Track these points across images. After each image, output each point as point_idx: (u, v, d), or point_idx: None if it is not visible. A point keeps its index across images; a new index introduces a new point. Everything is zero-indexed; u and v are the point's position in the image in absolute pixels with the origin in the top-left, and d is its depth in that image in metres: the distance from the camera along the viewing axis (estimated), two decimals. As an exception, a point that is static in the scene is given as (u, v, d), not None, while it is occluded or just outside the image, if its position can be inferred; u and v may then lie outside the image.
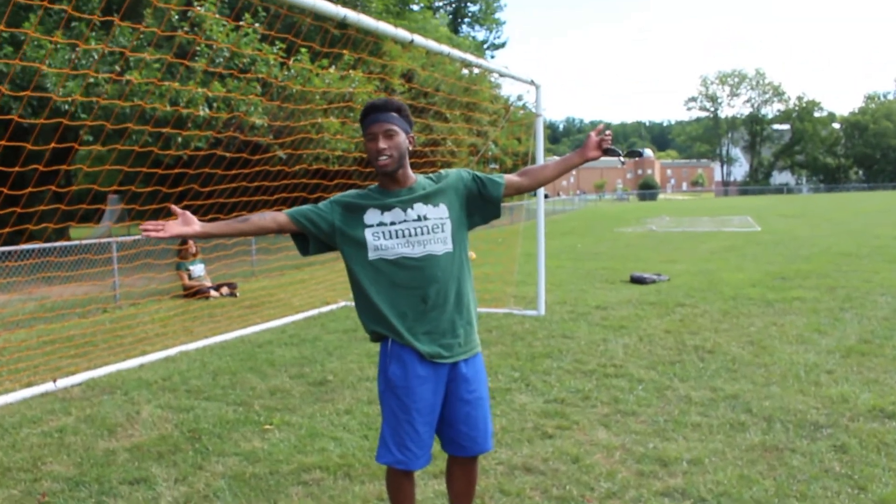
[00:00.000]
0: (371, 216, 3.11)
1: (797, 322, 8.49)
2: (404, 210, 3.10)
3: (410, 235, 3.07)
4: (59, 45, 14.12)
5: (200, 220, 3.08)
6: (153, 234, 2.95)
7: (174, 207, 3.07)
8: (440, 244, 3.11)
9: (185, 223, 3.06)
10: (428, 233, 3.09)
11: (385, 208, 3.09)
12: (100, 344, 8.20)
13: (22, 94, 10.95)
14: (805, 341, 7.53)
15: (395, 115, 3.07)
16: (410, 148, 3.15)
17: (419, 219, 3.10)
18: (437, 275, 3.09)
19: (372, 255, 3.08)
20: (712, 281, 12.04)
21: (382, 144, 3.02)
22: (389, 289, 3.08)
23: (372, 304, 3.12)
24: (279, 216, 3.16)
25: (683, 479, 4.23)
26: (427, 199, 3.13)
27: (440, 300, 3.10)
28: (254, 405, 5.84)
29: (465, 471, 3.36)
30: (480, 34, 55.15)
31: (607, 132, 3.28)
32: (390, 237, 3.07)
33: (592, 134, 3.29)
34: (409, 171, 3.18)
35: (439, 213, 3.14)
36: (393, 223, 3.08)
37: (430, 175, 3.29)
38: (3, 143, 6.53)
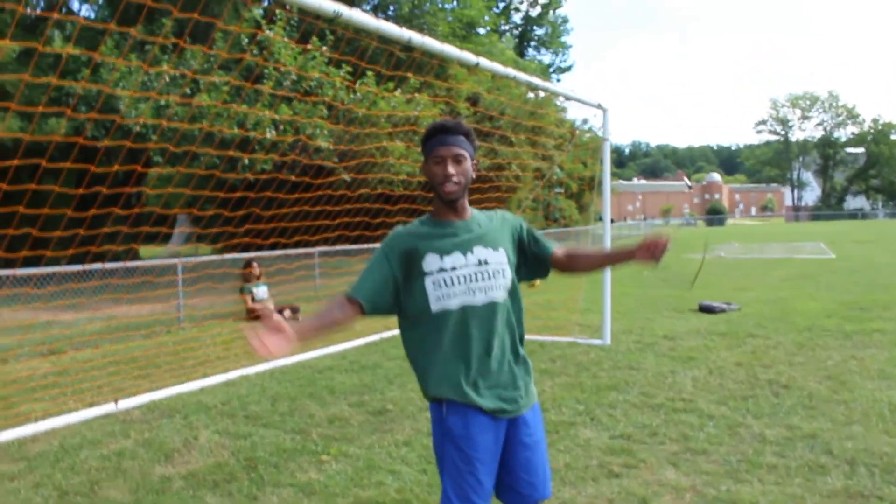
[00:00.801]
0: (430, 262, 2.84)
1: (878, 356, 8.07)
2: (464, 254, 2.86)
3: (472, 282, 2.84)
4: (132, 68, 14.46)
5: (286, 315, 2.87)
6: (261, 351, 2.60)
7: (274, 319, 2.59)
8: (502, 291, 2.90)
9: (281, 334, 2.55)
10: (489, 278, 2.87)
11: (444, 252, 2.84)
12: (162, 365, 8.25)
13: (95, 116, 11.20)
14: (888, 377, 7.12)
15: (463, 138, 2.88)
16: (474, 175, 2.95)
17: (480, 263, 2.87)
18: (499, 324, 2.88)
19: (435, 307, 2.82)
20: (785, 310, 11.59)
21: (451, 170, 2.82)
22: (452, 343, 2.83)
23: (432, 362, 2.87)
24: (347, 307, 2.84)
25: (760, 526, 3.97)
26: (486, 241, 2.91)
27: (502, 351, 2.89)
28: (311, 434, 5.74)
29: None
30: (546, 57, 54.97)
31: (666, 243, 2.94)
32: (451, 284, 2.83)
33: (651, 239, 2.94)
34: (467, 200, 2.99)
35: (499, 258, 2.92)
36: (454, 268, 2.84)
37: (485, 212, 3.09)
38: (76, 165, 6.61)
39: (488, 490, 2.88)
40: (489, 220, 3.01)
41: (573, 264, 3.11)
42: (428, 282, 2.82)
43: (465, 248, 2.86)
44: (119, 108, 14.33)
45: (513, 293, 2.95)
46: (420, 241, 2.86)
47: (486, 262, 2.87)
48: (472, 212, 3.00)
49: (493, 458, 2.88)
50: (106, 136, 14.09)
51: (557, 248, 3.13)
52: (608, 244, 9.84)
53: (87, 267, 9.93)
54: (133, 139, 12.76)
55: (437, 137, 2.86)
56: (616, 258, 3.03)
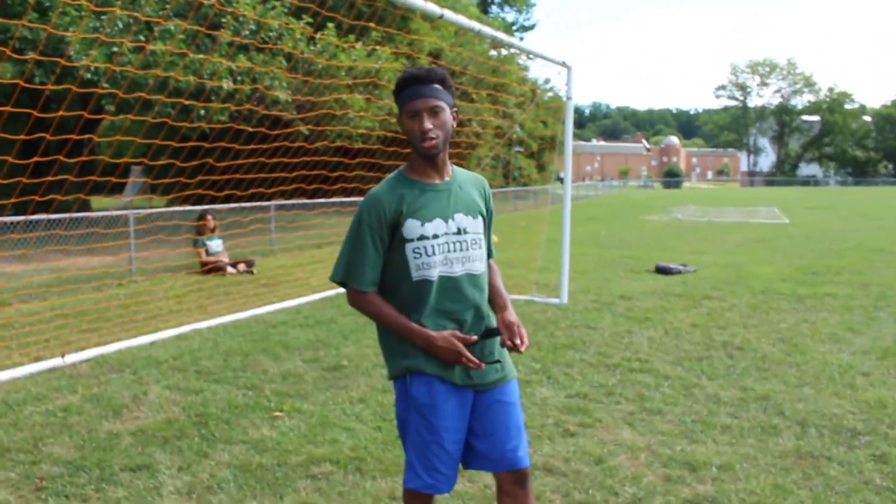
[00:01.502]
0: (411, 229, 2.64)
1: (830, 319, 8.18)
2: (445, 221, 2.68)
3: (450, 251, 2.68)
4: (83, 13, 13.94)
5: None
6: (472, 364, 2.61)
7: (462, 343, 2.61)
8: (479, 262, 2.76)
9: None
10: (467, 248, 2.72)
11: (425, 218, 2.64)
12: (112, 319, 8.05)
13: (39, 57, 10.76)
14: (839, 340, 7.23)
15: (439, 87, 2.62)
16: (454, 126, 2.72)
17: (459, 232, 2.70)
18: (476, 296, 2.73)
19: (416, 275, 2.65)
20: (740, 274, 11.72)
21: (428, 124, 2.58)
22: (429, 313, 2.66)
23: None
24: (377, 296, 2.70)
25: (713, 486, 3.99)
26: (467, 206, 2.74)
27: (478, 324, 2.73)
28: (265, 390, 5.64)
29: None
30: (510, 16, 54.61)
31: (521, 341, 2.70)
32: (432, 253, 2.65)
33: (510, 325, 2.71)
34: (447, 155, 2.76)
35: (477, 227, 2.77)
36: (435, 236, 2.65)
37: (463, 171, 2.87)
38: (18, 109, 6.33)
39: (455, 459, 2.74)
40: (469, 183, 2.82)
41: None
42: (408, 249, 2.64)
43: (447, 215, 2.69)
44: (67, 51, 13.84)
45: (486, 266, 2.84)
46: (401, 206, 2.64)
47: (465, 231, 2.72)
48: (452, 169, 2.79)
49: (459, 426, 2.72)
50: (52, 80, 13.61)
51: (493, 263, 2.98)
52: (568, 205, 9.77)
53: (33, 217, 9.62)
54: (81, 84, 12.32)
55: (410, 89, 2.61)
56: (497, 308, 2.83)
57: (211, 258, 12.08)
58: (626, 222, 24.96)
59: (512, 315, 2.76)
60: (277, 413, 5.11)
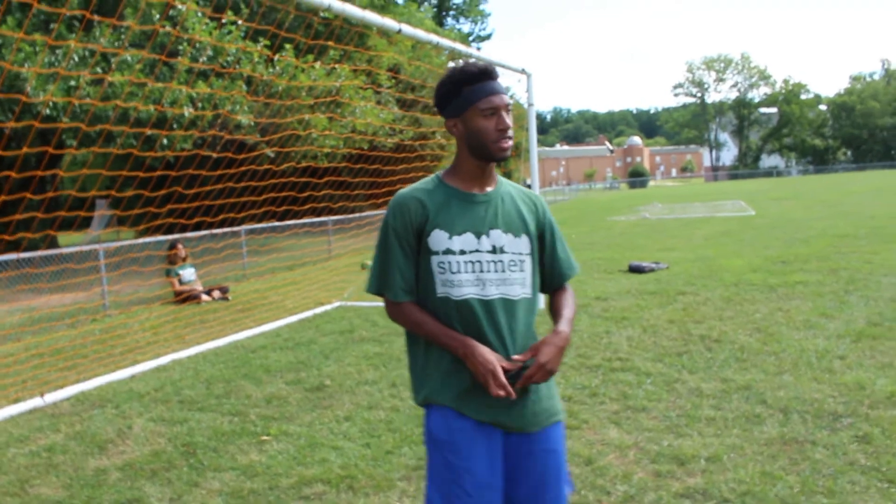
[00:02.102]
0: (437, 240, 2.37)
1: (802, 307, 8.31)
2: (478, 236, 2.38)
3: (482, 271, 2.37)
4: (37, 48, 13.82)
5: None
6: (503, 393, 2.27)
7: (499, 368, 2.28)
8: (518, 286, 2.42)
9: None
10: (503, 270, 2.39)
11: (454, 230, 2.37)
12: (90, 355, 7.96)
13: None
14: (813, 326, 7.35)
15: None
16: None
17: (495, 250, 2.40)
18: (509, 324, 2.39)
19: (439, 292, 2.38)
20: (712, 267, 11.86)
21: (509, 121, 2.36)
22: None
23: (431, 358, 2.43)
24: (412, 305, 2.43)
25: (703, 478, 4.04)
26: (508, 223, 2.44)
27: (508, 355, 2.38)
28: (250, 415, 5.62)
29: None
30: (466, 26, 54.87)
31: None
32: (457, 270, 2.36)
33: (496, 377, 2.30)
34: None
35: (519, 247, 2.45)
36: (462, 251, 2.37)
37: (514, 185, 2.59)
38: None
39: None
40: (517, 198, 2.54)
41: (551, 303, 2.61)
42: (433, 261, 2.38)
43: (480, 229, 2.40)
44: (24, 88, 13.71)
45: (533, 292, 2.50)
46: (429, 212, 2.39)
47: (502, 250, 2.41)
48: (498, 179, 2.53)
49: (487, 472, 2.35)
50: (12, 118, 13.48)
51: (568, 286, 2.64)
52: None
53: (2, 257, 9.50)
54: (42, 120, 12.20)
55: (483, 84, 2.36)
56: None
57: (185, 287, 11.99)
58: (594, 224, 25.14)
59: (549, 349, 2.34)
60: (265, 437, 5.09)
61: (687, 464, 4.23)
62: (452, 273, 2.36)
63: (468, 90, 2.36)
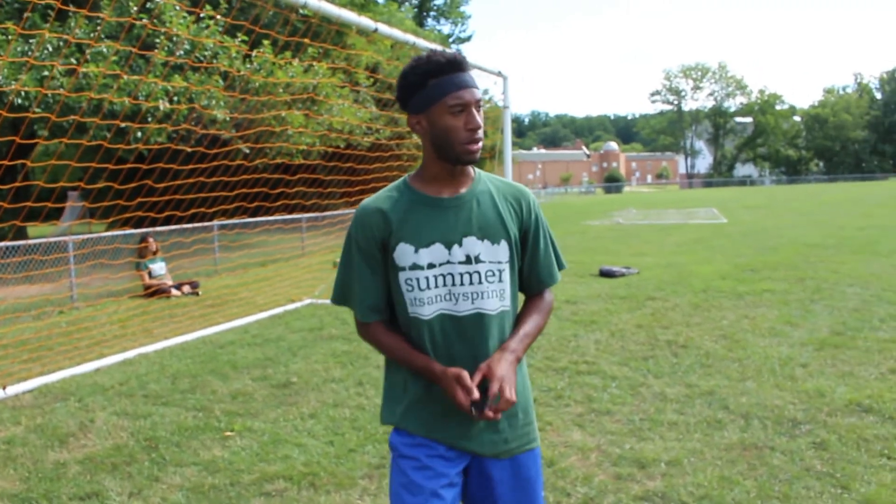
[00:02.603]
0: (402, 255, 2.13)
1: (769, 314, 8.41)
2: (448, 247, 2.13)
3: (454, 285, 2.13)
4: (10, 36, 13.65)
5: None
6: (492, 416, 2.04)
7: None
8: (494, 298, 2.17)
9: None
10: (478, 282, 2.14)
11: (420, 242, 2.13)
12: (54, 347, 7.88)
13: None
14: (778, 334, 7.44)
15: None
16: None
17: (469, 260, 2.14)
18: (489, 341, 2.16)
19: (410, 311, 2.16)
20: (682, 274, 11.96)
21: (480, 120, 2.09)
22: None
23: (396, 380, 2.26)
24: (384, 325, 2.23)
25: (662, 481, 4.08)
26: (483, 228, 2.16)
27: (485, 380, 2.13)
28: (214, 410, 5.59)
29: None
30: (446, 28, 54.96)
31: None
32: (426, 287, 2.13)
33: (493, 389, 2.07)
34: None
35: (497, 255, 2.18)
36: (431, 265, 2.12)
37: (495, 178, 2.30)
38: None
39: None
40: (496, 197, 2.23)
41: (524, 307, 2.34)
42: (400, 278, 2.15)
43: (451, 239, 2.14)
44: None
45: (513, 304, 2.25)
46: (392, 224, 2.14)
47: (476, 260, 2.15)
48: (476, 176, 2.24)
49: (451, 492, 2.18)
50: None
51: (549, 291, 2.37)
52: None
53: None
54: (11, 109, 12.06)
55: (451, 76, 2.07)
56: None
57: (154, 281, 11.90)
58: (568, 228, 25.25)
59: (503, 363, 2.11)
60: (228, 433, 5.07)
61: (647, 467, 4.27)
62: (420, 290, 2.12)
63: (434, 83, 2.06)
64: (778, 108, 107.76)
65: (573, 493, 3.98)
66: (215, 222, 14.73)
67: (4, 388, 6.20)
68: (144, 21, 14.15)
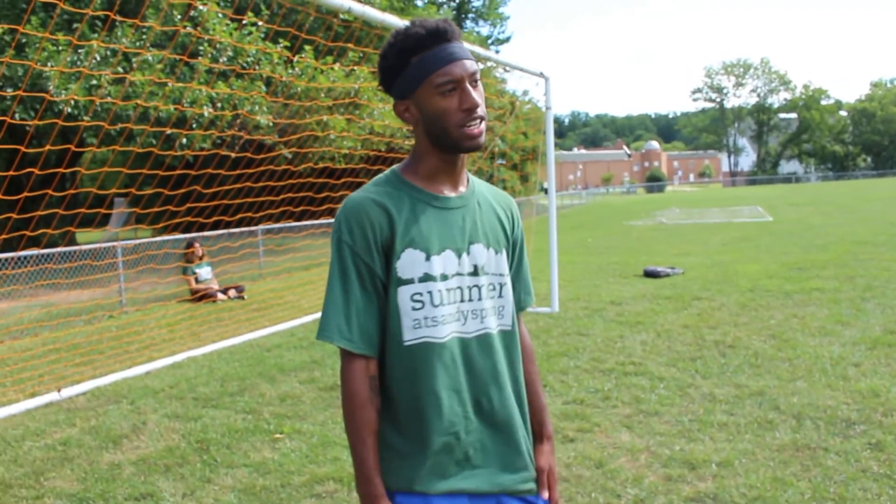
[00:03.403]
0: (410, 263, 1.74)
1: (818, 313, 8.27)
2: (459, 254, 1.78)
3: (463, 300, 1.78)
4: (60, 47, 13.97)
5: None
6: None
7: None
8: (495, 316, 1.84)
9: None
10: (481, 297, 1.81)
11: (432, 248, 1.74)
12: (106, 351, 8.05)
13: (16, 93, 10.79)
14: (828, 333, 7.31)
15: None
16: None
17: (475, 272, 1.81)
18: (497, 368, 1.82)
19: (410, 337, 1.74)
20: (727, 273, 11.82)
21: (476, 97, 1.71)
22: (436, 396, 1.75)
23: (396, 431, 1.79)
24: (373, 382, 1.74)
25: (714, 482, 4.03)
26: (488, 234, 1.85)
27: (491, 414, 1.82)
28: (263, 413, 5.66)
29: None
30: (485, 29, 54.87)
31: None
32: (440, 303, 1.74)
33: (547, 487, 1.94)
34: None
35: (500, 267, 1.87)
36: (444, 276, 1.75)
37: (485, 182, 1.99)
38: (5, 146, 6.36)
39: None
40: (493, 201, 1.93)
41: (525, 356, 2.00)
42: (403, 294, 1.73)
43: (461, 245, 1.79)
44: (47, 87, 13.86)
45: (514, 324, 1.91)
46: (397, 225, 1.74)
47: (482, 271, 1.82)
48: (469, 178, 1.90)
49: None
50: (35, 116, 13.62)
51: (524, 325, 2.05)
52: (553, 214, 9.85)
53: (22, 253, 9.61)
54: (64, 119, 12.35)
55: (435, 50, 1.71)
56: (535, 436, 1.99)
57: (201, 286, 12.07)
58: (611, 228, 25.09)
59: (548, 454, 1.96)
60: (277, 435, 5.12)
61: (698, 468, 4.22)
62: (434, 306, 1.73)
63: (417, 60, 1.71)
64: (823, 102, 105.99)
65: (623, 494, 3.96)
66: (260, 227, 14.90)
67: (60, 391, 6.34)
68: (189, 29, 14.38)
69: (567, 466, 4.33)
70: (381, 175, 1.84)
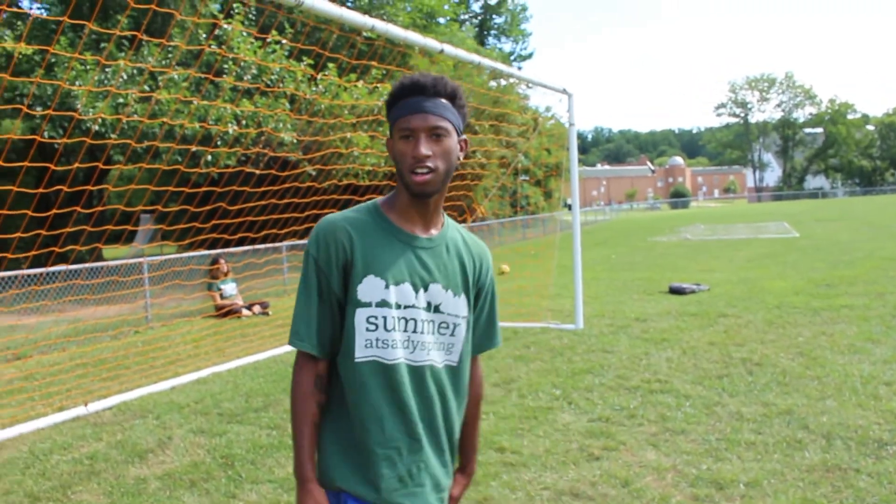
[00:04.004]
0: (369, 288, 1.92)
1: (847, 331, 8.16)
2: (416, 289, 1.95)
3: (414, 331, 1.95)
4: (88, 66, 14.18)
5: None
6: None
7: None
8: (441, 351, 2.00)
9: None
10: (432, 332, 1.98)
11: (393, 278, 1.92)
12: (132, 366, 8.10)
13: (46, 112, 10.96)
14: (858, 351, 7.21)
15: (446, 103, 1.93)
16: (460, 159, 2.03)
17: (430, 308, 1.97)
18: (446, 396, 2.02)
19: (361, 354, 1.92)
20: (753, 290, 11.70)
21: (424, 149, 1.88)
22: (380, 413, 1.93)
23: (341, 436, 1.97)
24: (318, 380, 1.97)
25: (742, 503, 3.98)
26: (449, 278, 2.01)
27: (433, 438, 2.01)
28: (288, 429, 5.66)
29: None
30: (507, 46, 55.08)
31: None
32: (392, 328, 1.92)
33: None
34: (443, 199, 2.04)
35: (457, 308, 2.02)
36: (398, 305, 1.92)
37: (461, 228, 2.16)
38: (34, 164, 6.45)
39: None
40: (462, 249, 2.09)
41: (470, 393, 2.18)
42: (360, 315, 1.92)
43: (421, 282, 1.96)
44: (76, 106, 14.06)
45: (462, 363, 2.07)
46: (358, 251, 1.93)
47: (437, 309, 1.99)
48: (445, 223, 2.08)
49: None
50: (63, 135, 13.83)
51: (481, 369, 2.25)
52: (577, 230, 9.83)
53: (50, 269, 9.73)
54: (92, 137, 12.51)
55: (408, 101, 1.92)
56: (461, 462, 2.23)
57: (226, 301, 12.14)
58: (635, 245, 24.97)
59: (461, 486, 2.19)
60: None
61: (726, 488, 4.17)
62: (387, 331, 1.91)
63: (394, 108, 1.95)
64: (850, 117, 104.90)
65: (650, 514, 3.91)
66: (285, 243, 14.98)
67: (87, 405, 6.39)
68: (214, 48, 14.55)
69: (592, 485, 4.29)
70: (363, 204, 2.04)
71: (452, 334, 2.01)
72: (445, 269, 2.00)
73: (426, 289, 1.96)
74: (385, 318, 1.91)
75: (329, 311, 1.94)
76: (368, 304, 1.91)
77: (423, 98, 1.91)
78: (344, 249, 1.91)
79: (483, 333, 2.17)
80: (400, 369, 1.92)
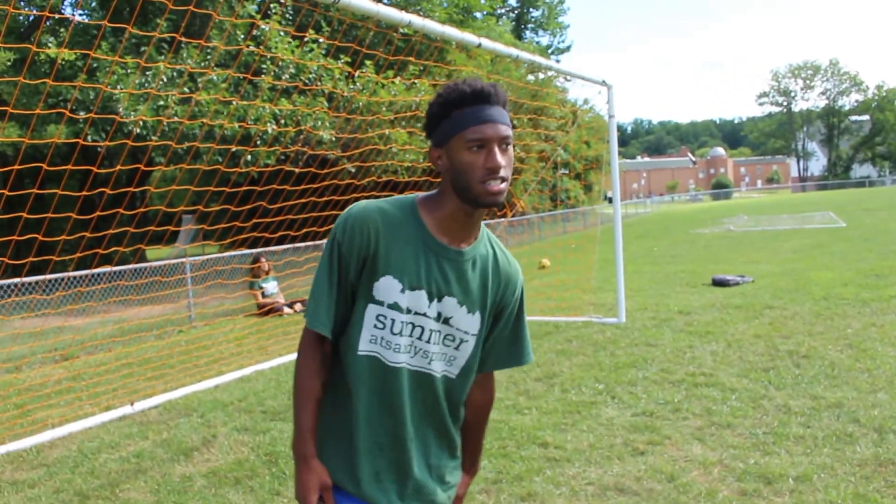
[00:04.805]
0: (385, 288, 1.89)
1: (898, 322, 7.97)
2: (430, 299, 1.92)
3: (419, 339, 1.94)
4: (129, 70, 14.39)
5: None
6: None
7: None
8: (443, 362, 1.99)
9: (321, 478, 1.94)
10: (437, 342, 1.97)
11: (410, 283, 1.90)
12: (176, 365, 8.20)
13: (88, 116, 11.14)
14: (909, 342, 7.03)
15: (505, 111, 1.88)
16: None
17: (439, 319, 1.95)
18: (426, 402, 2.00)
19: (364, 348, 1.93)
20: (800, 281, 11.48)
21: (501, 159, 1.82)
22: (372, 406, 1.95)
23: (334, 425, 2.00)
24: (324, 357, 1.97)
25: (791, 497, 3.90)
26: (467, 294, 1.97)
27: (417, 442, 2.01)
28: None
29: None
30: (544, 39, 54.78)
31: None
32: (399, 332, 1.92)
33: None
34: None
35: (469, 325, 2.00)
36: (409, 311, 1.91)
37: (495, 243, 2.09)
38: (78, 167, 6.56)
39: None
40: (491, 265, 2.04)
41: (469, 408, 2.18)
42: (371, 311, 1.91)
43: (437, 291, 1.93)
44: (117, 109, 14.28)
45: (462, 376, 2.06)
46: (383, 248, 1.89)
47: (447, 322, 1.96)
48: (480, 234, 2.02)
49: None
50: (106, 138, 14.05)
51: (485, 374, 2.19)
52: (619, 223, 9.74)
53: (96, 271, 9.89)
54: (133, 139, 12.70)
55: (475, 108, 1.83)
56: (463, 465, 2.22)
57: (267, 300, 12.24)
58: (677, 237, 24.69)
59: (464, 485, 2.22)
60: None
61: (774, 483, 4.08)
62: (393, 333, 1.91)
63: (457, 114, 1.84)
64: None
65: (697, 509, 3.85)
66: (324, 241, 15.05)
67: (133, 404, 6.48)
68: (252, 48, 14.67)
69: (638, 480, 4.23)
70: (404, 198, 1.99)
71: (457, 348, 2.00)
72: (466, 285, 1.96)
73: (440, 299, 1.93)
74: (394, 320, 1.91)
75: (344, 296, 1.93)
76: (381, 303, 1.90)
77: (488, 106, 1.84)
78: (369, 242, 1.88)
79: (506, 351, 2.14)
80: (399, 372, 1.93)
